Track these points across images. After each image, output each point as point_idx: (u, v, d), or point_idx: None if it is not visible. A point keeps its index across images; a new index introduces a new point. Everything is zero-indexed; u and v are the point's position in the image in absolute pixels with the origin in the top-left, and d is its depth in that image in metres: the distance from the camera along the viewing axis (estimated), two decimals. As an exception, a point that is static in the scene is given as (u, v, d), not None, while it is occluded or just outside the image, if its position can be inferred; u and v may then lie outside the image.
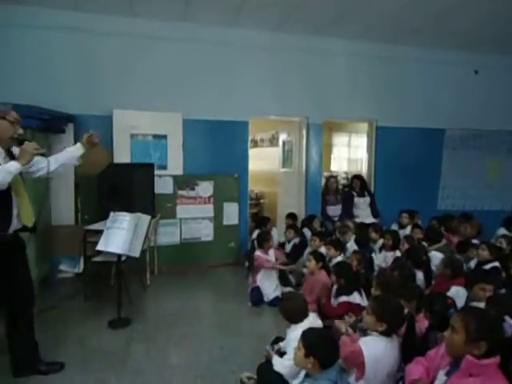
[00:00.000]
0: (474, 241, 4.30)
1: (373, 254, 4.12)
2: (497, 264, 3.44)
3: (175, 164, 4.99)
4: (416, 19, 4.70)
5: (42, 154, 2.43)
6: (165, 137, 4.93)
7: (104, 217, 3.59)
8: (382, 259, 4.13)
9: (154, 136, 4.90)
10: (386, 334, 2.17)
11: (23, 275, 2.51)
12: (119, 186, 4.18)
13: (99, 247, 3.29)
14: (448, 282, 3.21)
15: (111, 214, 3.45)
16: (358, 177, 5.70)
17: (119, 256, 3.44)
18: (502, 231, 4.92)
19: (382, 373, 2.09)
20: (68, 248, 4.38)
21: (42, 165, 2.50)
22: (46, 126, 4.06)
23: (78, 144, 2.75)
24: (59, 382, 2.54)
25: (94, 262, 3.97)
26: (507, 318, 2.13)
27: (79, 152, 2.72)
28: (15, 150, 2.40)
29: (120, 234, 3.26)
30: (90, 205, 4.57)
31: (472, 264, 3.77)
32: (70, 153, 2.71)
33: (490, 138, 6.21)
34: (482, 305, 2.44)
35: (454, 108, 5.97)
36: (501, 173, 6.31)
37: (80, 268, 4.37)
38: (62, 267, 4.57)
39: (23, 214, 2.40)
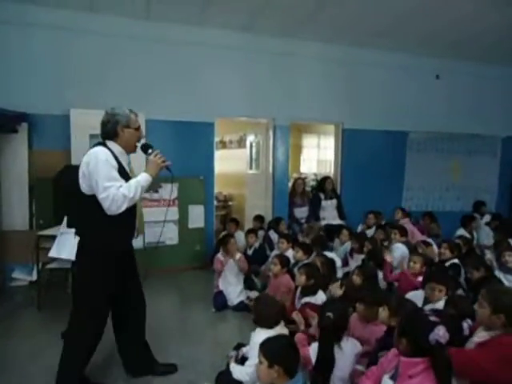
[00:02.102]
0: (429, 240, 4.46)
1: (334, 257, 4.10)
2: (456, 261, 3.54)
3: (137, 166, 4.80)
4: (380, 22, 4.75)
5: (167, 168, 2.39)
6: (126, 137, 4.75)
7: (60, 221, 3.41)
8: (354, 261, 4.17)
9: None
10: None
11: (137, 282, 2.55)
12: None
13: (51, 254, 3.13)
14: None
15: (65, 218, 3.29)
16: (329, 178, 5.70)
17: (73, 262, 3.25)
18: (461, 231, 5.07)
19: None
20: (21, 254, 4.14)
21: None
22: (-6, 125, 3.82)
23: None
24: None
25: (48, 269, 3.77)
26: (468, 320, 2.18)
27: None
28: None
29: (74, 240, 3.09)
30: (45, 209, 4.33)
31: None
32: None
33: (451, 141, 6.41)
34: (438, 306, 2.47)
35: (416, 111, 6.11)
36: (462, 175, 6.52)
37: (34, 276, 4.14)
38: (15, 275, 4.33)
39: (140, 222, 2.47)
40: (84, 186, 2.20)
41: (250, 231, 4.90)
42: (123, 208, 2.14)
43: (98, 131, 4.67)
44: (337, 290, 2.96)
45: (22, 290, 4.22)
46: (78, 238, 2.43)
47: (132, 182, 2.20)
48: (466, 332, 2.10)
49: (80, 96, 4.56)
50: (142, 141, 2.42)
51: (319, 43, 5.45)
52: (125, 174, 2.26)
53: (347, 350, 2.16)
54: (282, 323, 2.50)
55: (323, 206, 5.42)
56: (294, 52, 5.44)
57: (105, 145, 2.28)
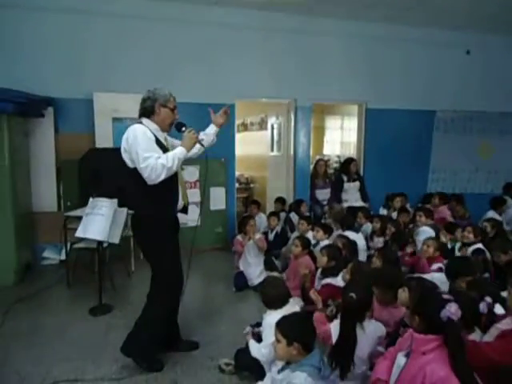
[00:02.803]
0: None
1: (358, 238, 4.05)
2: (480, 246, 3.43)
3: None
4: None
5: (200, 142, 2.53)
6: (148, 120, 4.80)
7: (86, 203, 3.51)
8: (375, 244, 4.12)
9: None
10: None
11: (178, 253, 2.66)
12: (101, 171, 4.08)
13: (78, 234, 3.24)
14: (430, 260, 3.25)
15: (90, 199, 3.39)
16: (354, 160, 5.54)
17: (99, 242, 3.38)
18: (491, 214, 4.89)
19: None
20: (50, 235, 4.30)
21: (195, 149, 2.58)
22: (22, 109, 3.93)
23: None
24: (35, 372, 2.50)
25: (76, 248, 3.91)
26: (487, 298, 2.12)
27: (212, 130, 2.83)
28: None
29: (98, 220, 3.21)
30: (72, 191, 4.47)
31: (457, 246, 3.77)
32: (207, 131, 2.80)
33: (481, 120, 6.13)
34: None
35: (444, 89, 5.87)
36: (492, 155, 6.26)
37: (62, 255, 4.31)
38: (46, 254, 4.52)
39: (183, 193, 2.55)
40: (127, 161, 2.36)
41: (272, 214, 4.90)
42: (162, 177, 2.25)
43: (120, 114, 4.81)
44: (346, 275, 2.93)
45: (52, 268, 4.42)
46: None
47: (169, 153, 2.31)
48: (484, 311, 2.04)
49: (102, 80, 4.62)
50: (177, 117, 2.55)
51: (340, 20, 5.27)
52: (162, 147, 2.39)
53: (370, 332, 2.15)
54: (292, 302, 2.54)
55: (345, 189, 5.31)
56: (313, 30, 5.28)
57: (141, 123, 2.40)
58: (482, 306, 1.91)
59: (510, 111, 6.17)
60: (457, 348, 1.60)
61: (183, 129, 2.50)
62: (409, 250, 3.63)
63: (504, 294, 2.27)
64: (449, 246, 3.79)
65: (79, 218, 3.51)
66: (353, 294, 2.08)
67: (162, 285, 2.50)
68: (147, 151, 2.25)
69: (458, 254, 3.62)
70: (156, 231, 2.43)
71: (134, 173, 2.31)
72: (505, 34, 5.77)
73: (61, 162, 4.49)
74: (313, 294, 2.75)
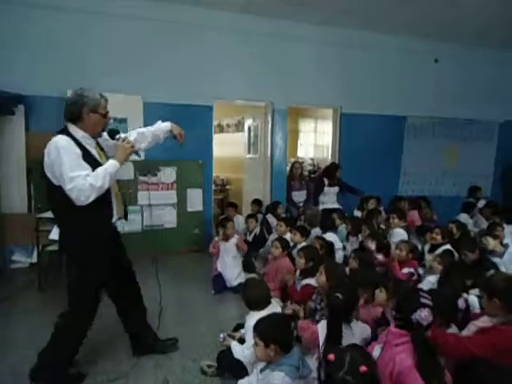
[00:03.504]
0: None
1: (335, 239, 4.15)
2: (448, 246, 3.60)
3: (136, 149, 4.80)
4: (379, 5, 4.69)
5: (136, 153, 2.37)
6: (124, 120, 4.73)
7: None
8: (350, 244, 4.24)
9: (113, 119, 4.67)
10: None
11: (126, 258, 2.65)
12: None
13: (52, 236, 3.16)
14: (402, 263, 3.37)
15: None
16: (339, 166, 5.56)
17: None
18: (464, 217, 5.12)
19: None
20: (20, 237, 4.15)
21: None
22: (-9, 106, 3.77)
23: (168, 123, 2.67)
24: (8, 381, 2.41)
25: (48, 251, 3.79)
26: (465, 294, 2.26)
27: (167, 127, 2.65)
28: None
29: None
30: (44, 192, 4.26)
31: (426, 247, 3.93)
32: (156, 127, 2.62)
33: (448, 126, 6.43)
34: None
35: (415, 96, 6.11)
36: (458, 160, 6.57)
37: (34, 258, 4.16)
38: (15, 257, 4.35)
39: (118, 206, 2.38)
40: (51, 178, 2.10)
41: (250, 216, 4.93)
42: (92, 198, 2.05)
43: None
44: (320, 276, 2.99)
45: (22, 272, 4.25)
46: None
47: (99, 170, 2.10)
48: (462, 307, 2.19)
49: (77, 78, 4.47)
50: (109, 126, 2.37)
51: (318, 26, 5.38)
52: (91, 160, 2.15)
53: (357, 333, 2.21)
54: (274, 303, 2.58)
55: (325, 192, 5.39)
56: (292, 35, 5.37)
57: (65, 131, 2.17)
58: (461, 302, 2.03)
59: (474, 118, 6.49)
60: (420, 348, 1.77)
61: (117, 137, 2.29)
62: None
63: (474, 292, 2.43)
64: (419, 247, 3.95)
65: (51, 220, 3.40)
66: (339, 295, 2.14)
67: (75, 312, 2.34)
68: (73, 170, 2.00)
69: (427, 255, 3.77)
70: (83, 254, 2.21)
71: (60, 191, 2.05)
72: (472, 45, 6.07)
73: (32, 162, 4.32)
74: (292, 307, 2.77)
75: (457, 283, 2.55)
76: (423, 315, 1.81)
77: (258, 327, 1.97)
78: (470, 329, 2.07)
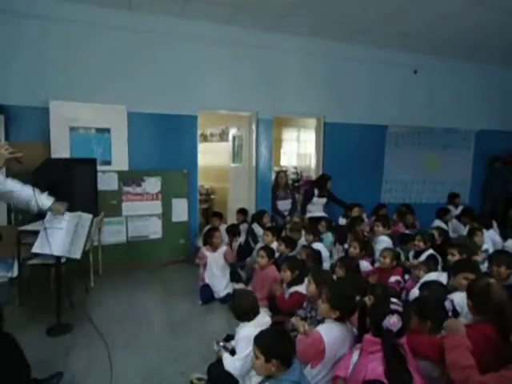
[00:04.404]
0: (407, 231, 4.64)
1: (321, 248, 4.19)
2: (431, 251, 3.68)
3: (120, 159, 4.76)
4: (362, 18, 4.82)
5: (17, 160, 2.20)
6: (108, 130, 4.67)
7: (40, 216, 3.32)
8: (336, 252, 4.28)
9: (97, 129, 4.63)
10: (340, 320, 2.27)
11: None
12: (58, 182, 3.87)
13: (35, 249, 3.04)
14: (388, 271, 3.42)
15: (48, 213, 3.22)
16: (330, 178, 5.62)
17: (58, 258, 3.21)
18: (437, 223, 5.25)
19: (339, 354, 2.17)
20: (0, 250, 4.01)
21: None
22: (-31, 117, 3.66)
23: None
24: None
25: (30, 265, 3.68)
26: (450, 296, 2.32)
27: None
28: None
29: (58, 235, 3.04)
30: (24, 203, 4.21)
31: (411, 254, 4.01)
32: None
33: (428, 135, 6.60)
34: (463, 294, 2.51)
35: (395, 106, 6.26)
36: (437, 168, 6.74)
37: (14, 272, 4.03)
38: (-6, 272, 4.20)
39: None
40: None
41: (233, 226, 4.89)
42: None
43: (77, 123, 4.64)
44: (310, 284, 3.00)
45: (1, 286, 4.09)
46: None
47: None
48: (449, 308, 2.25)
49: (59, 88, 4.44)
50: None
51: (302, 37, 5.47)
52: None
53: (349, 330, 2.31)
54: (263, 312, 2.57)
55: (313, 202, 5.47)
56: (276, 46, 5.44)
57: None
58: (448, 304, 2.09)
59: (453, 127, 6.70)
60: (389, 354, 1.80)
61: None
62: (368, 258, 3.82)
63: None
64: (402, 256, 4.01)
65: (34, 233, 3.32)
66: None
67: None
68: None
69: (412, 260, 3.85)
70: None
71: None
72: (448, 57, 6.28)
73: (12, 172, 4.20)
74: (295, 321, 2.73)
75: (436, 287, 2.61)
76: (391, 321, 1.85)
77: (260, 340, 1.93)
78: None
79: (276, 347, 1.89)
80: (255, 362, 1.92)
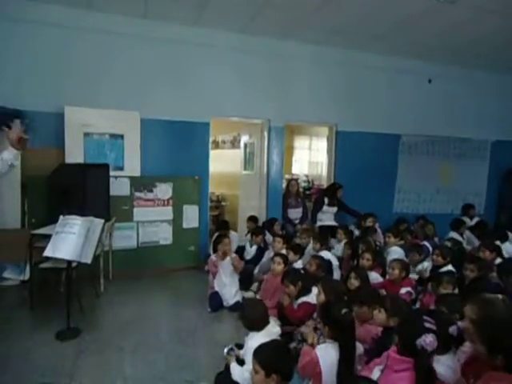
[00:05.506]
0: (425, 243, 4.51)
1: (331, 257, 4.13)
2: (450, 267, 3.57)
3: (132, 165, 4.80)
4: (379, 26, 4.79)
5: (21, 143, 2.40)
6: (121, 136, 4.72)
7: (54, 220, 3.36)
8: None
9: (110, 135, 4.68)
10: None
11: None
12: (71, 187, 3.93)
13: (47, 253, 3.08)
14: (398, 283, 3.35)
15: (61, 217, 3.25)
16: (341, 186, 5.61)
17: (69, 262, 3.23)
18: (453, 234, 5.14)
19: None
20: (12, 253, 4.05)
21: None
22: (-13, 121, 3.73)
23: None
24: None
25: (41, 268, 3.71)
26: (459, 322, 2.21)
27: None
28: None
29: (70, 239, 3.08)
30: (38, 207, 4.28)
31: (426, 266, 3.91)
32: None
33: (442, 144, 6.51)
34: None
35: (409, 114, 6.20)
36: (452, 178, 6.63)
37: (26, 275, 4.07)
38: (6, 274, 4.25)
39: None
40: None
41: (255, 231, 4.86)
42: None
43: (91, 129, 4.70)
44: (320, 294, 2.95)
45: (13, 289, 4.15)
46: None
47: None
48: (454, 334, 2.14)
49: (74, 94, 4.52)
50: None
51: (314, 45, 5.48)
52: None
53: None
54: (273, 322, 2.53)
55: (323, 210, 5.43)
56: (290, 54, 5.46)
57: None
58: (452, 329, 1.99)
59: (468, 137, 6.60)
60: (423, 375, 1.71)
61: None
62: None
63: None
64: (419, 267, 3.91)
65: (46, 236, 3.35)
66: (346, 310, 2.11)
67: None
68: None
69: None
70: None
71: None
72: (464, 66, 6.21)
73: (26, 177, 4.28)
74: (305, 329, 2.69)
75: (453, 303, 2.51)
76: (428, 341, 1.72)
77: (259, 355, 1.88)
78: (460, 357, 2.01)
79: (277, 362, 1.84)
80: (254, 376, 1.86)
